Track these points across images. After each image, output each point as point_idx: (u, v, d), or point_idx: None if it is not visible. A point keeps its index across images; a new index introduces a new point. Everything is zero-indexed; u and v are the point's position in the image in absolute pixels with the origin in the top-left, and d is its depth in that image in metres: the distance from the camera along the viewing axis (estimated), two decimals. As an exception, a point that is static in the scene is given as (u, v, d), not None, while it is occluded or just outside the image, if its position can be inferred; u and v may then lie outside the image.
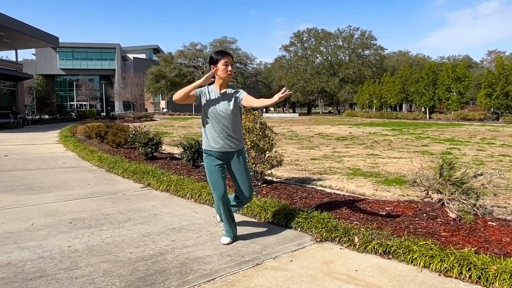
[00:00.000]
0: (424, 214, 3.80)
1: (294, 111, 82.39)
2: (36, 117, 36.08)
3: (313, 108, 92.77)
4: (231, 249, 3.33)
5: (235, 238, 3.52)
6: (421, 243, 3.09)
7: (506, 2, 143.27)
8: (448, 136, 16.39)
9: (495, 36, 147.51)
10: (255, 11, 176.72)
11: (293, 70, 65.50)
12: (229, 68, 3.32)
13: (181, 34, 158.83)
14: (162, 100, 73.93)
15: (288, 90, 2.99)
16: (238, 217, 4.27)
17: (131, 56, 73.73)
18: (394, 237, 3.30)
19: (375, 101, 46.57)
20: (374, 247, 3.24)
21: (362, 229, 3.48)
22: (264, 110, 72.39)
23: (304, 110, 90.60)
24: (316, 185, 5.96)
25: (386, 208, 4.10)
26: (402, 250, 3.10)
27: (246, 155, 3.84)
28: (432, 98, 36.37)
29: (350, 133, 18.82)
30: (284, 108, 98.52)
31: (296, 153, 10.49)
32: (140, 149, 8.49)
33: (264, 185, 5.71)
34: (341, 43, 64.60)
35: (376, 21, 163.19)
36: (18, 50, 35.75)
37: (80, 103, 67.95)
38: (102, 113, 45.75)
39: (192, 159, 7.15)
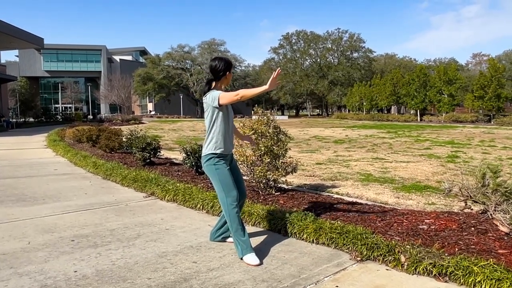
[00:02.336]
0: (472, 228, 3.43)
1: (282, 114, 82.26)
2: (21, 120, 35.03)
3: (301, 111, 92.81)
4: (264, 272, 2.91)
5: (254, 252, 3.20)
6: (482, 264, 2.72)
7: (488, 6, 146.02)
8: (446, 138, 16.23)
9: (478, 39, 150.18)
10: (240, 13, 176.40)
11: (282, 73, 65.24)
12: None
13: (167, 36, 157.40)
14: (149, 102, 72.92)
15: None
16: (261, 232, 3.86)
17: (117, 58, 72.55)
18: (446, 256, 2.92)
19: (365, 103, 46.59)
20: (426, 268, 2.85)
21: (408, 246, 3.10)
22: (252, 112, 72.04)
23: (292, 112, 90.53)
24: (332, 193, 5.58)
25: (425, 220, 3.73)
26: (461, 272, 2.73)
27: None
28: (423, 100, 36.46)
29: (346, 135, 18.54)
30: (272, 111, 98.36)
31: (298, 157, 10.05)
32: (137, 154, 8.00)
33: (277, 193, 5.31)
34: (330, 46, 64.67)
35: (360, 24, 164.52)
36: (1, 52, 34.72)
37: (65, 105, 66.59)
38: (89, 116, 44.73)
39: (196, 165, 6.71)
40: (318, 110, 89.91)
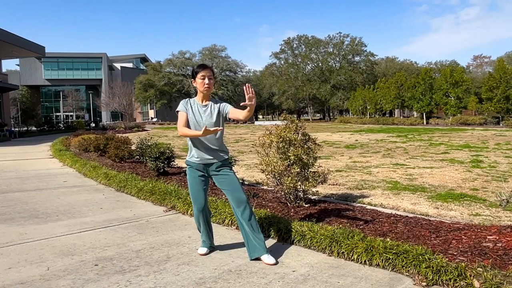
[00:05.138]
0: (547, 246, 3.07)
1: (284, 118, 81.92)
2: (23, 129, 34.71)
3: (302, 115, 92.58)
4: (322, 303, 2.54)
5: (212, 248, 3.57)
6: None
7: (487, 8, 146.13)
8: (460, 141, 15.86)
9: (477, 41, 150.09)
10: (240, 19, 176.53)
11: (284, 77, 65.12)
12: (206, 81, 3.28)
13: (166, 43, 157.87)
14: (150, 109, 72.64)
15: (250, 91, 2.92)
16: (303, 251, 3.49)
17: (118, 65, 72.40)
18: (528, 280, 2.55)
19: (369, 107, 46.23)
20: (508, 296, 2.49)
21: (479, 268, 2.73)
22: (254, 117, 71.69)
23: (294, 117, 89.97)
24: (364, 203, 5.23)
25: (488, 237, 3.36)
26: (554, 301, 2.36)
27: (232, 168, 3.68)
28: (429, 103, 36.08)
29: (356, 140, 18.19)
30: (273, 116, 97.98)
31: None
32: (150, 164, 7.65)
33: (307, 205, 4.95)
34: (331, 50, 64.49)
35: (359, 28, 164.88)
36: (2, 61, 34.47)
37: (67, 114, 66.29)
38: (92, 124, 44.38)
39: (214, 175, 6.34)
40: (319, 115, 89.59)
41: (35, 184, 7.34)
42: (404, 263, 2.98)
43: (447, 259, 2.94)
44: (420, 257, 2.95)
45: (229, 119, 3.34)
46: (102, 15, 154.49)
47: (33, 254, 3.53)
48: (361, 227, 3.89)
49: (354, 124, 42.27)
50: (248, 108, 3.02)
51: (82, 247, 3.70)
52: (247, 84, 2.88)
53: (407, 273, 2.94)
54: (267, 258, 3.25)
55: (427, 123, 35.53)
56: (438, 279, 2.77)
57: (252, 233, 3.29)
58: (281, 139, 4.88)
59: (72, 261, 3.33)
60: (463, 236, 3.41)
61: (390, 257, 3.06)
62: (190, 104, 3.36)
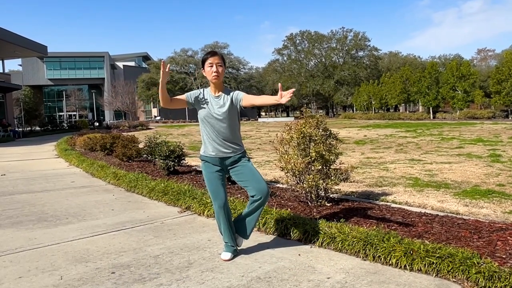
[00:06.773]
0: None
1: (288, 115, 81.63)
2: (27, 129, 34.58)
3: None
4: (367, 315, 2.29)
5: (236, 252, 3.29)
6: None
7: (490, 1, 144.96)
8: (472, 136, 15.56)
9: (481, 35, 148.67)
10: (241, 16, 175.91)
11: (287, 74, 64.65)
12: (214, 69, 3.09)
13: (169, 41, 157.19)
14: (153, 108, 72.48)
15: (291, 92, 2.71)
16: (336, 256, 3.24)
17: (120, 64, 72.11)
18: None
19: (374, 102, 45.83)
20: None
21: (537, 274, 2.48)
22: (257, 114, 71.41)
23: (297, 114, 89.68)
24: (388, 201, 4.98)
25: (537, 238, 3.10)
26: None
27: (251, 161, 3.36)
28: (436, 98, 35.67)
29: (365, 135, 17.90)
30: (276, 112, 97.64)
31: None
32: (159, 163, 7.41)
33: (329, 204, 4.70)
34: (334, 45, 63.94)
35: (361, 23, 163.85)
36: (4, 61, 34.29)
37: (70, 113, 66.15)
38: (96, 123, 44.20)
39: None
40: (321, 111, 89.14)
41: (42, 185, 7.11)
42: (450, 268, 2.73)
43: (497, 264, 2.68)
44: (467, 261, 2.70)
45: (244, 107, 3.16)
46: (103, 14, 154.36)
47: (44, 261, 3.30)
48: (393, 227, 3.64)
49: (359, 119, 41.89)
50: (277, 96, 2.76)
51: (96, 253, 3.46)
52: (291, 90, 2.72)
53: (454, 279, 2.69)
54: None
55: (433, 117, 35.14)
56: (492, 286, 2.52)
57: (249, 220, 3.25)
58: (301, 135, 4.62)
59: (86, 269, 3.10)
60: (508, 237, 3.16)
61: (434, 261, 2.80)
62: (203, 96, 3.23)
